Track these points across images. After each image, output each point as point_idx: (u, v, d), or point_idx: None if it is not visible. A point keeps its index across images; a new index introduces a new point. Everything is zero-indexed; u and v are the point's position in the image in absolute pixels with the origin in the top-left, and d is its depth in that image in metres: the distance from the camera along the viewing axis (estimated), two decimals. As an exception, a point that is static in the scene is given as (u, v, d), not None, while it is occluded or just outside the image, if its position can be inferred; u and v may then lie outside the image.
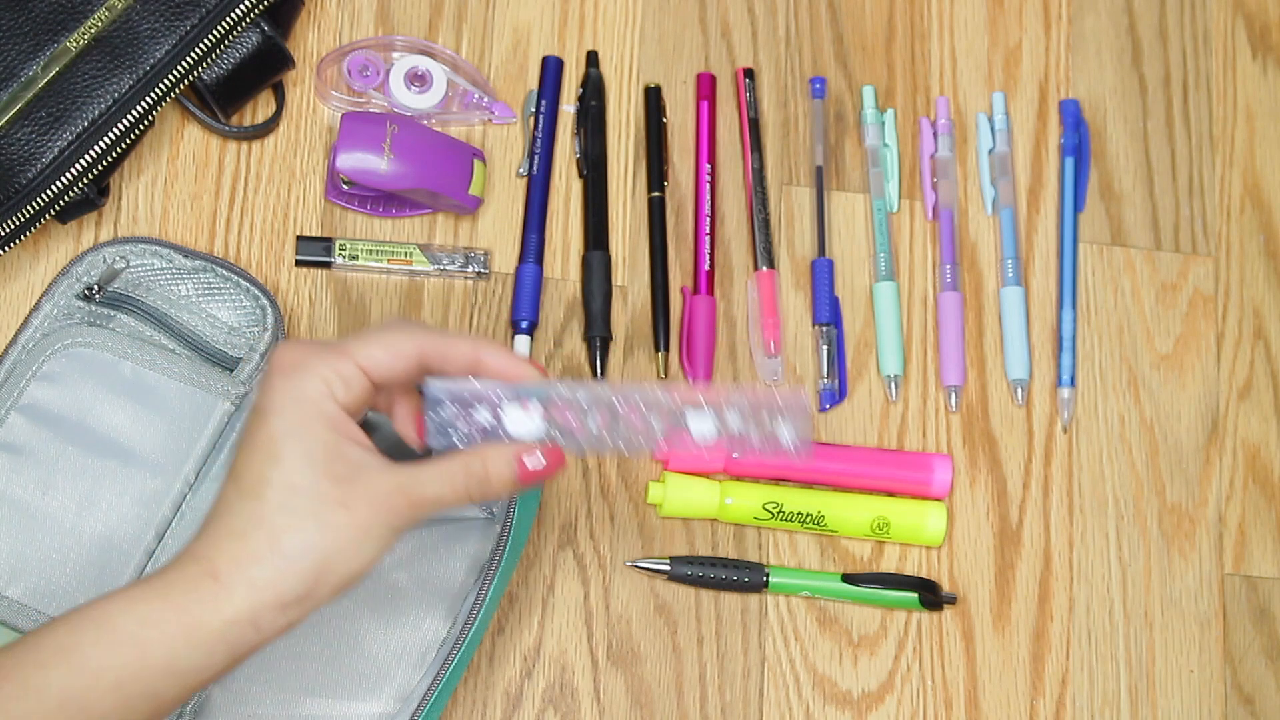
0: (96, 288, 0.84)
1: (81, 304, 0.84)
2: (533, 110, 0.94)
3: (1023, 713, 0.90)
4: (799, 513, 0.89)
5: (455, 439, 0.71)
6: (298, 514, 0.66)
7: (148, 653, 0.64)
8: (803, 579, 0.89)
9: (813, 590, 0.89)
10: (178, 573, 0.66)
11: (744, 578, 0.88)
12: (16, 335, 0.83)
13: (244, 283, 0.85)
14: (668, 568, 0.88)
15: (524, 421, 0.72)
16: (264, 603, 0.66)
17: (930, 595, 0.89)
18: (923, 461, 0.91)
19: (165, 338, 0.84)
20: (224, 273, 0.85)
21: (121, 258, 0.85)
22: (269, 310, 0.85)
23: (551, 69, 0.94)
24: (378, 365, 0.70)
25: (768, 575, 0.88)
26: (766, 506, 0.89)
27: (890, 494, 0.91)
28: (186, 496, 0.82)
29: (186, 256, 0.85)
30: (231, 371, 0.84)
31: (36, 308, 0.84)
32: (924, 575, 0.90)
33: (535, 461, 0.71)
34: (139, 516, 0.81)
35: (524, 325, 0.90)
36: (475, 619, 0.81)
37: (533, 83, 0.94)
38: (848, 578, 0.89)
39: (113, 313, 0.84)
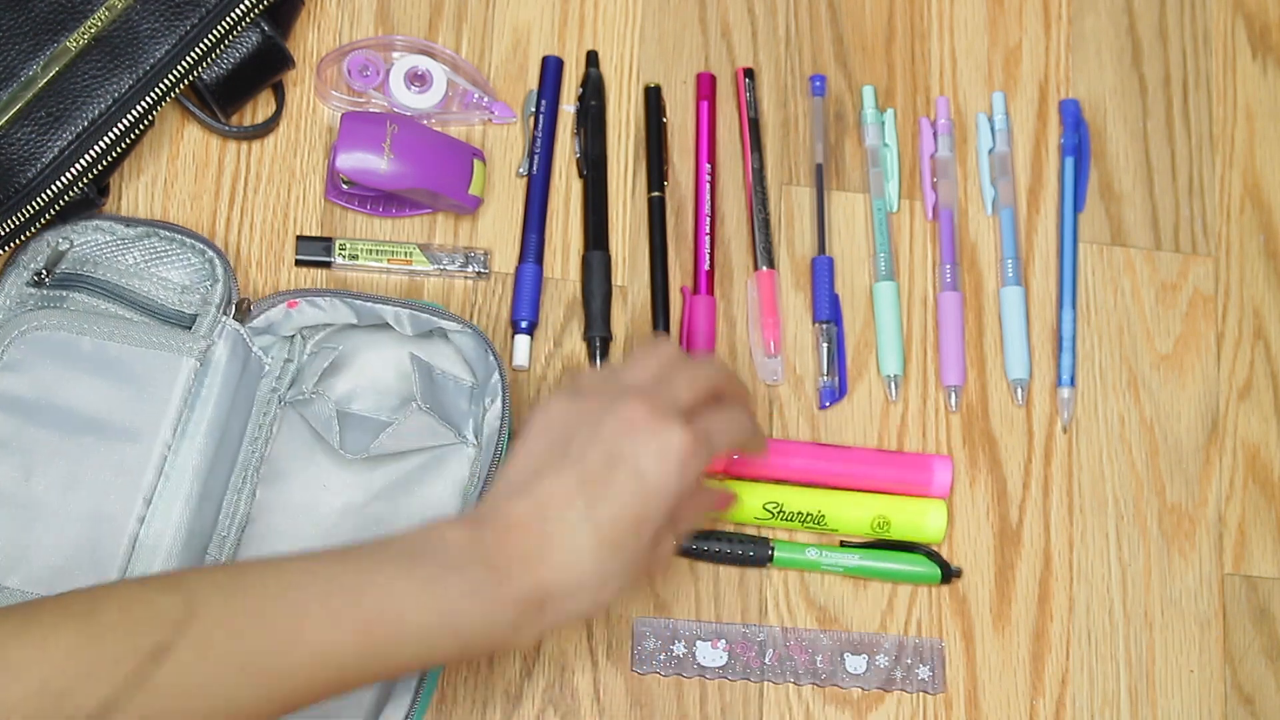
0: (45, 272, 0.84)
1: (33, 290, 0.84)
2: (533, 110, 0.94)
3: (1023, 713, 0.90)
4: (799, 512, 0.89)
5: (656, 665, 0.87)
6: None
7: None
8: (808, 551, 0.89)
9: (818, 565, 0.89)
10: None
11: (749, 551, 0.88)
12: None
13: (189, 240, 0.86)
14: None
15: (711, 654, 0.87)
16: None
17: (937, 560, 0.89)
18: (923, 462, 0.91)
19: (120, 308, 0.85)
20: (167, 234, 0.86)
21: (64, 239, 0.85)
22: (216, 262, 0.85)
23: (551, 69, 0.94)
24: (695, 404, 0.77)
25: (773, 549, 0.88)
26: (767, 506, 0.89)
27: (890, 495, 0.91)
28: (167, 458, 0.82)
29: (128, 225, 0.85)
30: (190, 329, 0.84)
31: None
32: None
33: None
34: (124, 486, 0.81)
35: (524, 325, 0.90)
36: None
37: (533, 83, 0.94)
38: (847, 544, 0.89)
39: (65, 293, 0.84)
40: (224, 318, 0.85)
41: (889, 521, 0.89)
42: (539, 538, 0.70)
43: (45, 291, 0.84)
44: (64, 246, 0.85)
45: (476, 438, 0.86)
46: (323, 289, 0.86)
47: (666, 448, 0.71)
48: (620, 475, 0.71)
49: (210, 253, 0.85)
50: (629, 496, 0.71)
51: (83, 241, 0.85)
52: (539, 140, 0.93)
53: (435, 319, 0.85)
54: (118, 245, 0.86)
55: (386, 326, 0.86)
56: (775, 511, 0.89)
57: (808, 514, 0.89)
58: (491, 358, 0.85)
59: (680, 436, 0.72)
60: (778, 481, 0.90)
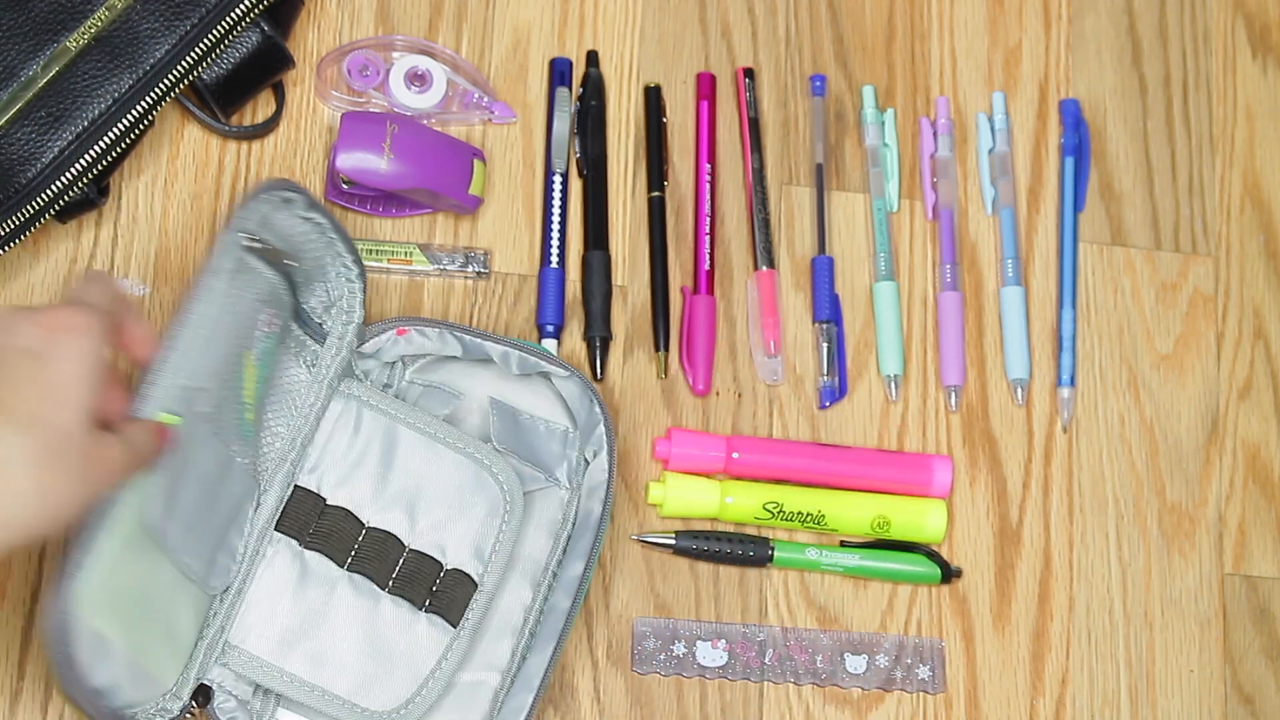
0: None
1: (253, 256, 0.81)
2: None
3: (1023, 713, 0.90)
4: (799, 512, 0.89)
5: (656, 665, 0.86)
6: (61, 455, 0.66)
7: None
8: (808, 551, 0.89)
9: (818, 565, 0.89)
10: None
11: (749, 551, 0.88)
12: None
13: (349, 257, 0.83)
14: (673, 541, 0.88)
15: (711, 654, 0.87)
16: None
17: (937, 560, 0.89)
18: (923, 462, 0.91)
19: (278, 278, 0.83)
20: (337, 244, 0.83)
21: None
22: (359, 294, 0.84)
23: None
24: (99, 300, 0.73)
25: (773, 549, 0.88)
26: (767, 506, 0.89)
27: (891, 495, 0.91)
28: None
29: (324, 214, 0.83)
30: (323, 343, 0.85)
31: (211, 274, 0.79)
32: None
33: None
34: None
35: (550, 329, 0.90)
36: (557, 584, 0.84)
37: (534, 83, 0.94)
38: (847, 544, 0.89)
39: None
40: (356, 350, 0.85)
41: (889, 521, 0.89)
42: None
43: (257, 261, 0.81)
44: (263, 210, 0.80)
45: (570, 481, 0.86)
46: (435, 319, 0.86)
47: (50, 322, 0.68)
48: (8, 359, 0.67)
49: (358, 284, 0.84)
50: (24, 374, 0.67)
51: (268, 211, 0.81)
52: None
53: (542, 363, 0.85)
54: (289, 220, 0.82)
55: (489, 361, 0.86)
56: (775, 511, 0.89)
57: (808, 514, 0.89)
58: (596, 408, 0.85)
59: (60, 310, 0.69)
60: (778, 481, 0.90)
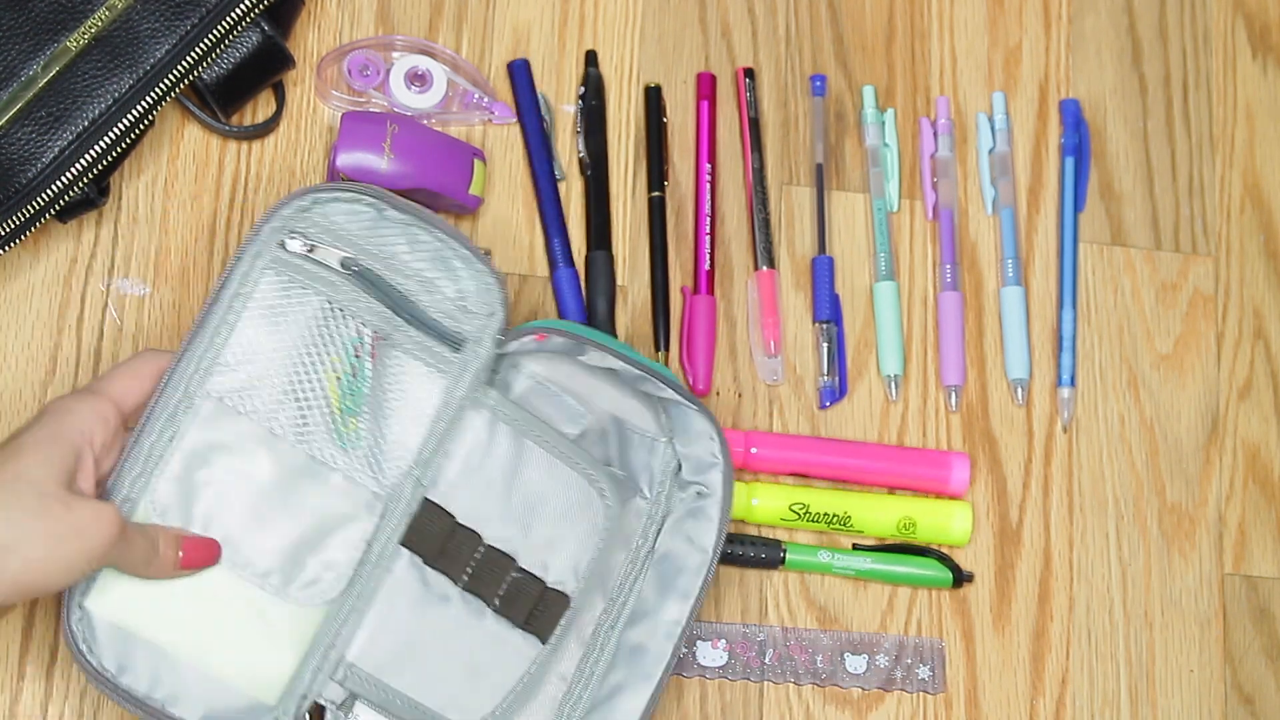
0: (311, 246, 0.79)
1: (300, 261, 0.79)
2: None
3: (1023, 713, 0.90)
4: (825, 513, 0.89)
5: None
6: (16, 493, 0.68)
7: None
8: (820, 554, 0.89)
9: (829, 568, 0.89)
10: None
11: (761, 554, 0.88)
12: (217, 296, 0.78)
13: (464, 251, 0.81)
14: None
15: (711, 654, 0.87)
16: None
17: (949, 563, 0.89)
18: (941, 460, 0.91)
19: (387, 308, 0.80)
20: (440, 235, 0.81)
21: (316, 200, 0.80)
22: (495, 290, 0.81)
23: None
24: (127, 392, 0.75)
25: (784, 552, 0.88)
26: (793, 507, 0.89)
27: (909, 491, 0.91)
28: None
29: (398, 209, 0.81)
30: (457, 350, 0.81)
31: (237, 262, 0.78)
32: (924, 575, 0.91)
33: (199, 553, 0.76)
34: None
35: None
36: (628, 595, 0.84)
37: (537, 84, 0.94)
38: (859, 547, 0.89)
39: (320, 270, 0.79)
40: (502, 364, 0.83)
41: (914, 523, 0.90)
42: None
43: (300, 260, 0.79)
44: (324, 208, 0.80)
45: (650, 491, 0.85)
46: (574, 328, 0.83)
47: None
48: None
49: (490, 278, 0.81)
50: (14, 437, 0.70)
51: (345, 211, 0.80)
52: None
53: (675, 396, 0.82)
54: (383, 227, 0.81)
55: (611, 371, 0.84)
56: (801, 513, 0.89)
57: (833, 515, 0.89)
58: (718, 450, 0.83)
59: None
60: (801, 477, 0.90)
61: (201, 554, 0.76)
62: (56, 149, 0.83)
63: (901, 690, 0.89)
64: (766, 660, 0.88)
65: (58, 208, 0.84)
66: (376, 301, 0.80)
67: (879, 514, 0.90)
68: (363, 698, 0.79)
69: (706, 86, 0.96)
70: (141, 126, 0.85)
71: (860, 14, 0.99)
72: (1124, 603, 0.92)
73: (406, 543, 0.80)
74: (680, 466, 0.85)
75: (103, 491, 0.75)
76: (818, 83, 0.97)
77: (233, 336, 0.77)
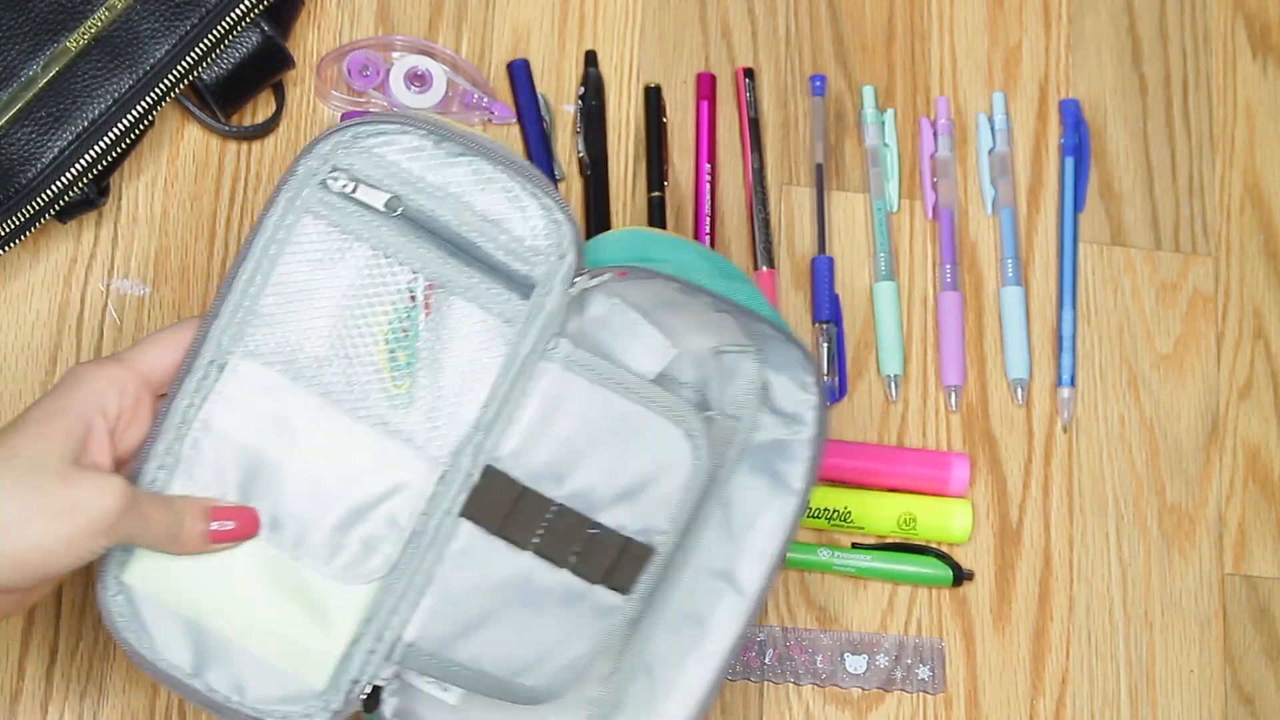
0: (353, 184, 0.72)
1: (341, 201, 0.72)
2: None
3: (1023, 713, 0.90)
4: (825, 509, 0.89)
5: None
6: (11, 470, 0.65)
7: None
8: (820, 552, 0.89)
9: (829, 566, 0.89)
10: None
11: None
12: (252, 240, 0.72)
13: (529, 184, 0.73)
14: None
15: None
16: None
17: (949, 562, 0.89)
18: (941, 460, 0.91)
19: (444, 252, 0.73)
20: (501, 165, 0.73)
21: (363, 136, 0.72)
22: (566, 227, 0.73)
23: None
24: (157, 362, 0.71)
25: None
26: (793, 503, 0.89)
27: (909, 492, 0.91)
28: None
29: (453, 140, 0.73)
30: (526, 297, 0.73)
31: (274, 200, 0.72)
32: (924, 575, 0.91)
33: (221, 526, 0.71)
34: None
35: None
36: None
37: (537, 84, 0.94)
38: (859, 545, 0.89)
39: (366, 213, 0.73)
40: (572, 301, 0.74)
41: (915, 520, 0.90)
42: None
43: (344, 201, 0.72)
44: (367, 142, 0.72)
45: (731, 406, 0.79)
46: (658, 269, 0.74)
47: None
48: None
49: (559, 213, 0.73)
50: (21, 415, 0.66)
51: (387, 142, 0.72)
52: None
53: (765, 327, 0.75)
54: (434, 159, 0.73)
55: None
56: None
57: (833, 511, 0.89)
58: (812, 381, 0.76)
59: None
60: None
61: (237, 527, 0.71)
62: (56, 149, 0.83)
63: (901, 690, 0.89)
64: (766, 660, 0.88)
65: (58, 208, 0.84)
66: (431, 245, 0.72)
67: (879, 510, 0.90)
68: (425, 675, 0.75)
69: (706, 86, 0.96)
70: (141, 127, 0.85)
71: (860, 14, 0.99)
72: (1124, 603, 0.92)
73: (468, 514, 0.74)
74: (765, 387, 0.78)
75: (129, 465, 0.71)
76: (818, 83, 0.97)
77: (269, 286, 0.71)
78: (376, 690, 0.74)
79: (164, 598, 0.71)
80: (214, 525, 0.70)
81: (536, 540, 0.75)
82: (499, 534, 0.74)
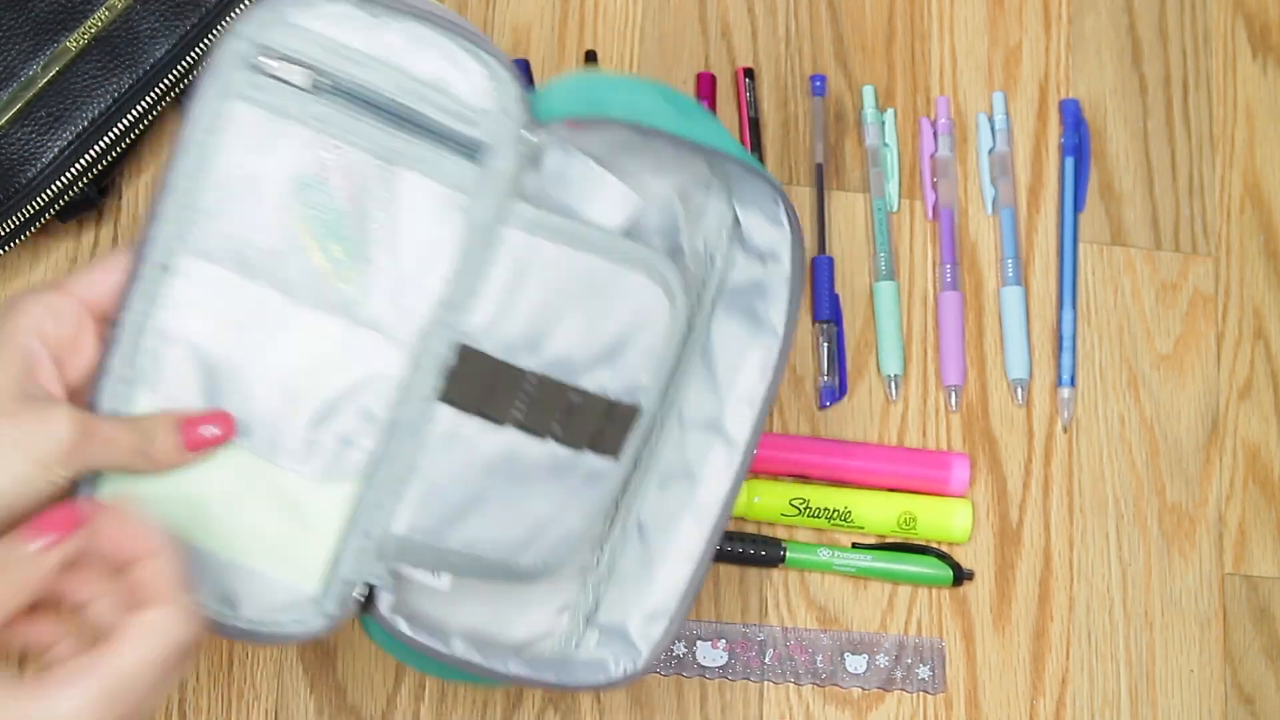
0: (274, 56, 0.67)
1: (264, 79, 0.67)
2: None
3: (1023, 713, 0.90)
4: (825, 509, 0.89)
5: (656, 665, 0.83)
6: None
7: None
8: (820, 552, 0.89)
9: (829, 566, 0.89)
10: None
11: (762, 551, 0.88)
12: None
13: (465, 41, 0.68)
14: None
15: (711, 654, 0.86)
16: None
17: (949, 561, 0.89)
18: (941, 460, 0.91)
19: (384, 122, 0.69)
20: (437, 26, 0.68)
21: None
22: (507, 80, 0.69)
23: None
24: (97, 286, 0.67)
25: (784, 550, 0.88)
26: (793, 502, 0.89)
27: (909, 492, 0.91)
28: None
29: (384, 5, 0.68)
30: (472, 159, 0.69)
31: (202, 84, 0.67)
32: (924, 575, 0.91)
33: (208, 430, 0.68)
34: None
35: None
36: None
37: (537, 84, 0.94)
38: (859, 545, 0.89)
39: (299, 91, 0.68)
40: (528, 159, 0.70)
41: (915, 519, 0.90)
42: None
43: (273, 82, 0.67)
44: (294, 17, 0.67)
45: (702, 247, 0.77)
46: (611, 112, 0.71)
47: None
48: None
49: (499, 67, 0.68)
50: None
51: (315, 14, 0.67)
52: None
53: (735, 159, 0.72)
54: (367, 25, 0.68)
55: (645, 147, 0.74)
56: (801, 508, 0.89)
57: (834, 510, 0.89)
58: (781, 213, 0.73)
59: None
60: (795, 476, 0.90)
61: (212, 432, 0.67)
62: (56, 149, 0.83)
63: (901, 690, 0.89)
64: (766, 660, 0.88)
65: (58, 208, 0.84)
66: (371, 118, 0.68)
67: (879, 509, 0.90)
68: (419, 567, 0.73)
69: (706, 86, 0.96)
70: (141, 126, 0.85)
71: (860, 14, 0.99)
72: (1124, 603, 0.92)
73: (444, 397, 0.71)
74: (738, 221, 0.76)
75: (85, 388, 0.67)
76: (818, 83, 0.97)
77: (207, 179, 0.67)
78: (371, 590, 0.72)
79: (153, 510, 0.66)
80: (188, 434, 0.67)
81: (518, 414, 0.72)
82: (479, 413, 0.71)
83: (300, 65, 0.67)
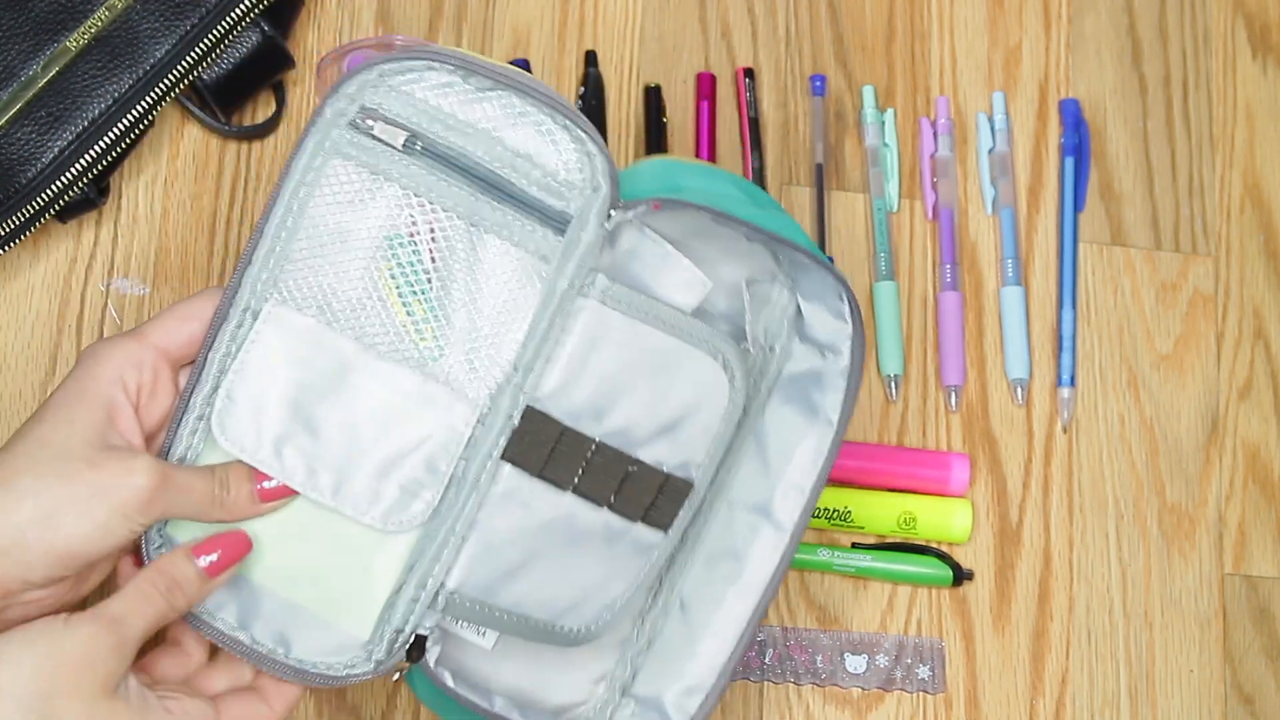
0: (371, 122, 0.71)
1: (361, 138, 0.71)
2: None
3: (1023, 713, 0.90)
4: (825, 509, 0.89)
5: None
6: (40, 461, 0.65)
7: None
8: (820, 552, 0.89)
9: (829, 565, 0.89)
10: None
11: None
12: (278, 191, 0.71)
13: (560, 118, 0.71)
14: None
15: None
16: None
17: (949, 561, 0.89)
18: (941, 460, 0.91)
19: (471, 187, 0.71)
20: (533, 100, 0.71)
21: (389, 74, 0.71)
22: (598, 159, 0.71)
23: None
24: (174, 336, 0.70)
25: None
26: (793, 502, 0.89)
27: (909, 492, 0.91)
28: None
29: (483, 74, 0.71)
30: (562, 232, 0.72)
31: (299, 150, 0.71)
32: (924, 575, 0.91)
33: (269, 484, 0.71)
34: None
35: None
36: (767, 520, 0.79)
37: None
38: (858, 545, 0.89)
39: (396, 153, 0.71)
40: (609, 235, 0.73)
41: (915, 519, 0.90)
42: None
43: (373, 142, 0.70)
44: (394, 80, 0.71)
45: (764, 336, 0.79)
46: (693, 198, 0.73)
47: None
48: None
49: (590, 145, 0.71)
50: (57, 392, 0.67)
51: (415, 79, 0.71)
52: None
53: (803, 256, 0.75)
54: (464, 95, 0.71)
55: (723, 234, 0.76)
56: None
57: (834, 510, 0.89)
58: (846, 309, 0.76)
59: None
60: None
61: (283, 485, 0.70)
62: (56, 149, 0.83)
63: (901, 690, 0.89)
64: (766, 660, 0.88)
65: (58, 208, 0.84)
66: (463, 182, 0.71)
67: (879, 510, 0.90)
68: (467, 621, 0.74)
69: (706, 86, 0.96)
70: (141, 126, 0.85)
71: (860, 14, 0.99)
72: (1124, 603, 0.92)
73: (508, 457, 0.73)
74: (800, 312, 0.79)
75: (161, 435, 0.70)
76: (818, 83, 0.97)
77: (300, 229, 0.70)
78: (420, 640, 0.74)
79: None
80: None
81: (577, 480, 0.74)
82: (540, 476, 0.73)
83: (399, 127, 0.70)
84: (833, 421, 0.78)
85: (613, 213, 0.72)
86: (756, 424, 0.80)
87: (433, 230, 0.71)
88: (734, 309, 0.79)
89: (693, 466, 0.76)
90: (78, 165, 0.83)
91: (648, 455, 0.75)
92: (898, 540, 0.90)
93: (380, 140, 0.70)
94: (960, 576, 0.90)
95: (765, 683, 0.88)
